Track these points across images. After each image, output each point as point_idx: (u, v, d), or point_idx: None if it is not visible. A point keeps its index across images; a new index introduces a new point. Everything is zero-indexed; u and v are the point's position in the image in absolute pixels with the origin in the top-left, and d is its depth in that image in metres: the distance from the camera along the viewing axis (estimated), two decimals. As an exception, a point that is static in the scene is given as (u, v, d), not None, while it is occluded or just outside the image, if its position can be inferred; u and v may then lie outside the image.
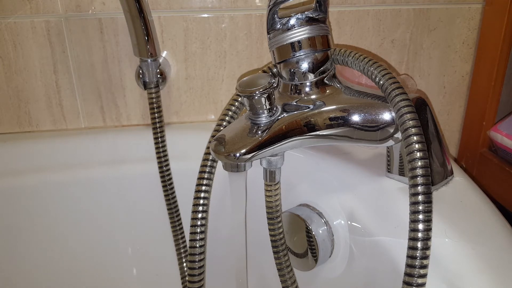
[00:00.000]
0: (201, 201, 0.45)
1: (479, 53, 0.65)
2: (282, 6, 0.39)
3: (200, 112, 0.67)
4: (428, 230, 0.33)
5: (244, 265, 0.50)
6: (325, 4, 0.39)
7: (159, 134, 0.60)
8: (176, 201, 0.62)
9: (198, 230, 0.44)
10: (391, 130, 0.40)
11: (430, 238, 0.33)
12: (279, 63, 0.41)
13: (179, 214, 0.63)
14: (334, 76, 0.42)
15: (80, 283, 0.65)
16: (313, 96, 0.41)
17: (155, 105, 0.60)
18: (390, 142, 0.41)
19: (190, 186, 0.47)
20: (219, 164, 0.43)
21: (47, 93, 0.63)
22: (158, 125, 0.60)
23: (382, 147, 0.45)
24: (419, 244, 0.33)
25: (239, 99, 0.46)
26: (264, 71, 0.44)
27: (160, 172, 0.61)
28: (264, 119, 0.39)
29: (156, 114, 0.60)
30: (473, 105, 0.67)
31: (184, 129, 0.66)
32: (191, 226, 0.45)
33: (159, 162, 0.60)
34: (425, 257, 0.33)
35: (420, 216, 0.33)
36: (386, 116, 0.39)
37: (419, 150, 0.34)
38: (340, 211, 0.47)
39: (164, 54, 0.63)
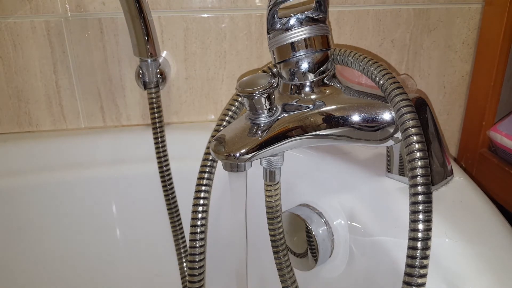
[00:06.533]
0: (201, 201, 0.45)
1: (479, 53, 0.65)
2: (282, 6, 0.39)
3: (200, 112, 0.67)
4: (428, 230, 0.33)
5: (244, 265, 0.50)
6: (325, 4, 0.39)
7: (159, 134, 0.60)
8: (176, 201, 0.62)
9: (198, 230, 0.44)
10: (391, 130, 0.40)
11: (430, 238, 0.33)
12: (279, 63, 0.41)
13: (179, 214, 0.63)
14: (334, 76, 0.42)
15: (80, 283, 0.65)
16: (313, 96, 0.41)
17: (155, 105, 0.60)
18: (390, 142, 0.41)
19: (190, 186, 0.47)
20: (219, 164, 0.43)
21: (47, 93, 0.63)
22: (158, 125, 0.60)
23: (382, 147, 0.45)
24: (419, 244, 0.33)
25: (239, 99, 0.46)
26: (264, 71, 0.44)
27: (160, 172, 0.61)
28: (264, 119, 0.39)
29: (156, 114, 0.60)
30: (473, 105, 0.67)
31: (184, 129, 0.66)
32: (191, 226, 0.45)
33: (159, 162, 0.60)
34: (425, 257, 0.33)
35: (420, 216, 0.33)
36: (386, 116, 0.39)
37: (419, 150, 0.34)
38: (340, 211, 0.47)
39: (164, 54, 0.63)
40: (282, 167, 0.44)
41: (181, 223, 0.63)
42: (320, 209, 0.49)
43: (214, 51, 0.63)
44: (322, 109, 0.40)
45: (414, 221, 0.33)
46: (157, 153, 0.60)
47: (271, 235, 0.48)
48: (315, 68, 0.40)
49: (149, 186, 0.63)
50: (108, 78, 0.63)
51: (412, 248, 0.33)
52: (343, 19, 0.62)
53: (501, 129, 0.61)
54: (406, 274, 0.33)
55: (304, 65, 0.40)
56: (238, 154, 0.38)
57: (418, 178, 0.33)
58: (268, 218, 0.48)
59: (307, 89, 0.41)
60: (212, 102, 0.66)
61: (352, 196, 0.47)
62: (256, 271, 0.60)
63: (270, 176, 0.45)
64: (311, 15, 0.39)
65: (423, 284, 0.32)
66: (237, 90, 0.38)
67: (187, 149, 0.62)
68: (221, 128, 0.45)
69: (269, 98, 0.38)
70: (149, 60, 0.58)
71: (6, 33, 0.60)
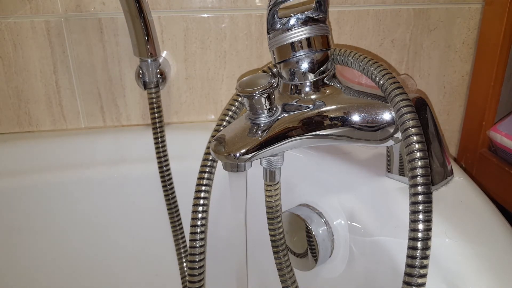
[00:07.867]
0: (201, 201, 0.45)
1: (479, 53, 0.65)
2: (282, 6, 0.39)
3: (200, 112, 0.67)
4: (428, 230, 0.33)
5: (244, 265, 0.50)
6: (325, 4, 0.39)
7: (159, 134, 0.60)
8: (176, 201, 0.62)
9: (198, 230, 0.44)
10: (391, 130, 0.40)
11: (430, 238, 0.33)
12: (279, 63, 0.41)
13: (179, 214, 0.63)
14: (334, 76, 0.42)
15: (80, 283, 0.65)
16: (313, 96, 0.41)
17: (155, 105, 0.60)
18: (390, 142, 0.41)
19: (190, 186, 0.47)
20: (219, 164, 0.43)
21: (47, 93, 0.63)
22: (158, 125, 0.60)
23: (382, 147, 0.45)
24: (419, 244, 0.33)
25: (239, 99, 0.46)
26: (264, 71, 0.44)
27: (160, 172, 0.61)
28: (264, 119, 0.39)
29: (156, 114, 0.60)
30: (472, 105, 0.67)
31: (184, 129, 0.66)
32: (191, 226, 0.45)
33: (159, 162, 0.60)
34: (425, 257, 0.33)
35: (420, 216, 0.33)
36: (386, 116, 0.40)
37: (419, 150, 0.34)
38: (340, 211, 0.47)
39: (164, 54, 0.63)
40: (282, 167, 0.44)
41: (181, 223, 0.63)
42: (320, 209, 0.49)
43: (214, 51, 0.63)
44: (322, 109, 0.40)
45: (414, 221, 0.33)
46: (157, 153, 0.60)
47: (271, 235, 0.48)
48: (315, 68, 0.40)
49: (149, 186, 0.63)
50: (108, 78, 0.63)
51: (412, 248, 0.33)
52: (343, 19, 0.62)
53: (501, 129, 0.61)
54: (406, 274, 0.33)
55: (304, 65, 0.40)
56: (238, 154, 0.38)
57: (418, 178, 0.33)
58: (268, 218, 0.48)
59: (307, 89, 0.41)
60: (212, 102, 0.66)
61: (352, 196, 0.47)
62: (256, 271, 0.60)
63: (270, 176, 0.45)
64: (311, 15, 0.39)
65: (423, 284, 0.32)
66: (237, 90, 0.38)
67: (187, 149, 0.62)
68: (221, 128, 0.45)
69: (269, 98, 0.38)
70: (149, 60, 0.58)
71: (6, 33, 0.60)
